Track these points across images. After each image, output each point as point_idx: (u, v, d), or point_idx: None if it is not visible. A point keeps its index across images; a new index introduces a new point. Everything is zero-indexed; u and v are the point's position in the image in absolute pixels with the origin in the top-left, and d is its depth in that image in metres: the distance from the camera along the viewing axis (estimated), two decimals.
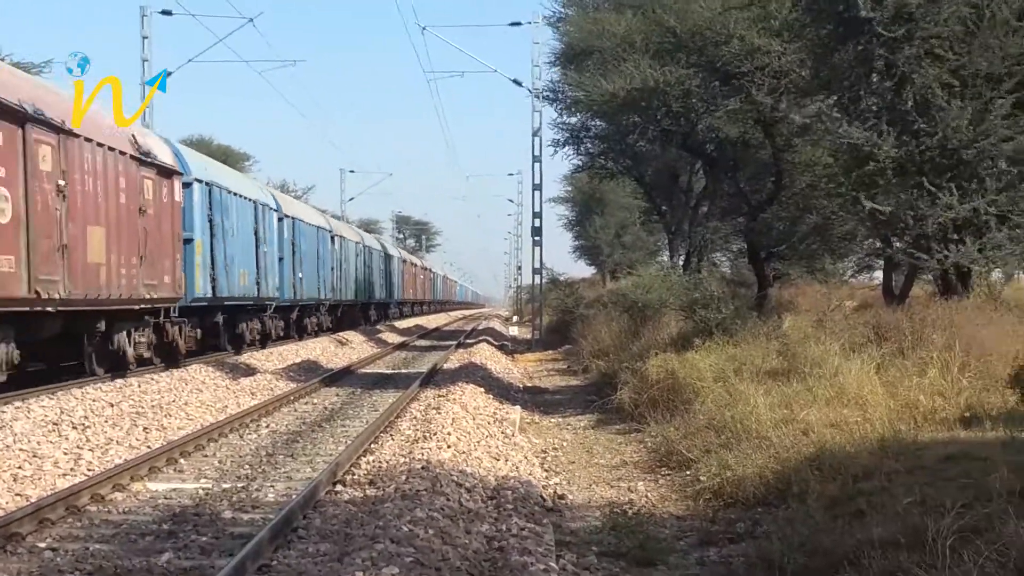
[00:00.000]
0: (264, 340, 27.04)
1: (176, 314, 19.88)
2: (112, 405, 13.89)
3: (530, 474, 10.44)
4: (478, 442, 11.78)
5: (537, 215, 35.60)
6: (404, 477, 9.19)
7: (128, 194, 17.00)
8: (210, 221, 22.05)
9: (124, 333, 17.40)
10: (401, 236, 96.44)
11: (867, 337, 12.82)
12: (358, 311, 44.11)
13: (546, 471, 11.19)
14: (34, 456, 10.49)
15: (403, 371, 24.57)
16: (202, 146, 41.00)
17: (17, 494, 9.08)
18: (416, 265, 69.40)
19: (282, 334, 29.49)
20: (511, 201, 72.13)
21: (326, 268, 35.68)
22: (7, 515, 7.88)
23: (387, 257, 52.76)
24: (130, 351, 17.62)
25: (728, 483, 9.06)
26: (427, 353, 31.54)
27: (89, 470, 10.25)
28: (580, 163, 29.75)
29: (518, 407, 16.21)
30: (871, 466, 7.98)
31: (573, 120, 26.51)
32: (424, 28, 35.60)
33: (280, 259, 28.63)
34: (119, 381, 16.20)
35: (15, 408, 12.49)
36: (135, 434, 12.48)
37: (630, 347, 18.80)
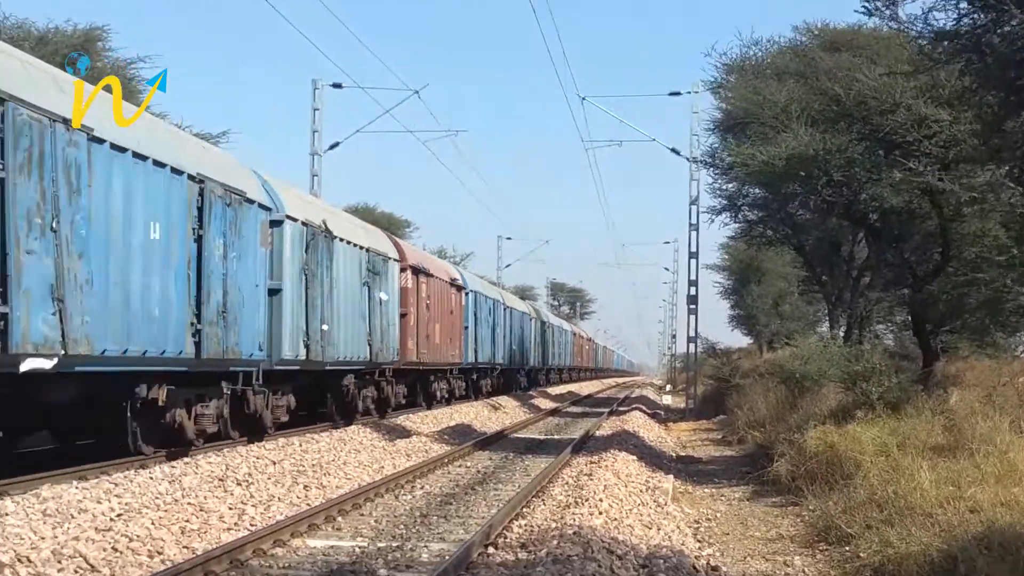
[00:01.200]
0: (383, 409, 23.91)
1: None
2: (275, 463, 14.32)
3: (682, 544, 10.30)
4: (630, 510, 11.69)
5: (693, 283, 35.38)
6: (556, 542, 9.19)
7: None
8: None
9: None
10: (556, 303, 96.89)
11: None
12: (508, 376, 44.48)
13: (699, 542, 11.02)
14: (201, 510, 10.88)
15: (555, 437, 24.59)
16: (366, 213, 42.19)
17: (185, 547, 9.44)
18: (567, 330, 69.67)
19: (404, 402, 26.15)
20: (667, 269, 71.78)
21: (496, 334, 37.49)
22: (176, 566, 8.19)
23: (542, 324, 53.08)
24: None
25: (890, 560, 8.75)
26: (579, 420, 31.49)
27: (252, 525, 10.58)
28: (737, 231, 29.48)
29: (671, 476, 16.02)
30: None
31: (730, 187, 26.34)
32: (584, 98, 35.90)
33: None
34: (281, 440, 16.68)
35: (184, 464, 12.99)
36: (296, 491, 12.83)
37: (787, 418, 18.40)
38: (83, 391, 12.22)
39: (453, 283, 31.18)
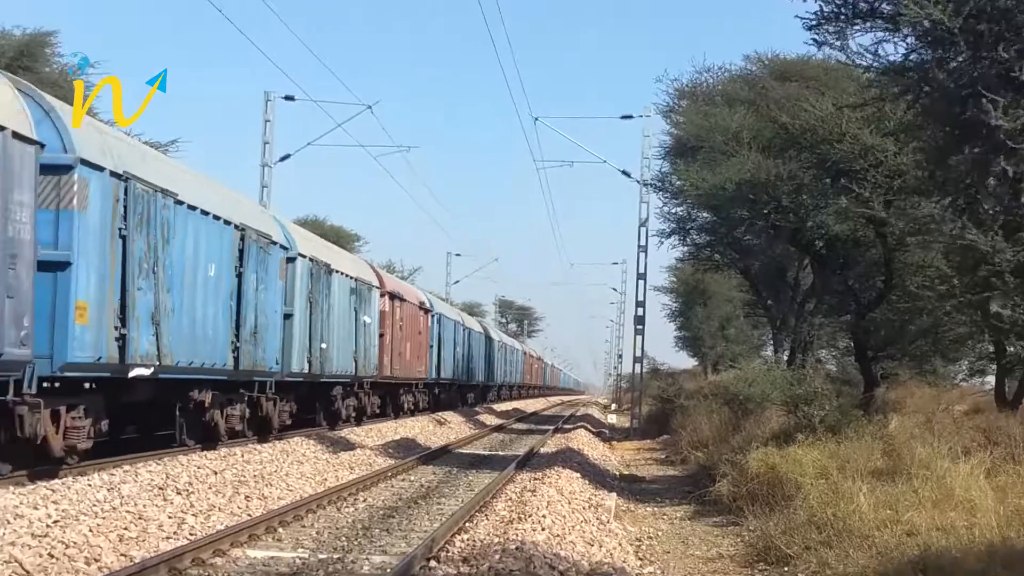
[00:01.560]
0: (360, 417, 26.65)
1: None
2: (216, 473, 14.19)
3: (624, 561, 10.35)
4: (572, 526, 11.73)
5: (640, 304, 35.57)
6: (498, 556, 9.20)
7: None
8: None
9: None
10: (504, 320, 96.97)
11: (977, 441, 12.51)
12: (455, 392, 44.43)
13: (640, 559, 11.08)
14: (140, 518, 10.76)
15: (500, 453, 24.59)
16: (315, 226, 42.01)
17: (122, 554, 9.33)
18: (518, 350, 69.81)
19: (377, 412, 29.03)
20: (614, 290, 72.10)
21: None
22: (112, 574, 8.09)
23: (488, 340, 53.10)
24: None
25: None
26: (524, 436, 31.50)
27: (192, 534, 10.48)
28: (686, 253, 29.74)
29: (614, 494, 16.08)
30: (977, 572, 7.77)
31: (680, 210, 26.61)
32: (536, 119, 35.98)
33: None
34: (223, 450, 16.54)
35: (123, 472, 12.83)
36: (237, 502, 12.72)
37: (730, 440, 18.56)
38: (157, 393, 15.21)
39: (421, 306, 34.56)
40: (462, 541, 10.50)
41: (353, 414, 25.90)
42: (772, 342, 31.81)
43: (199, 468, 14.15)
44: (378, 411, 28.96)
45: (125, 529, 10.17)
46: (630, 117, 35.36)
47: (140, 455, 15.01)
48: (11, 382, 11.07)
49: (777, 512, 11.78)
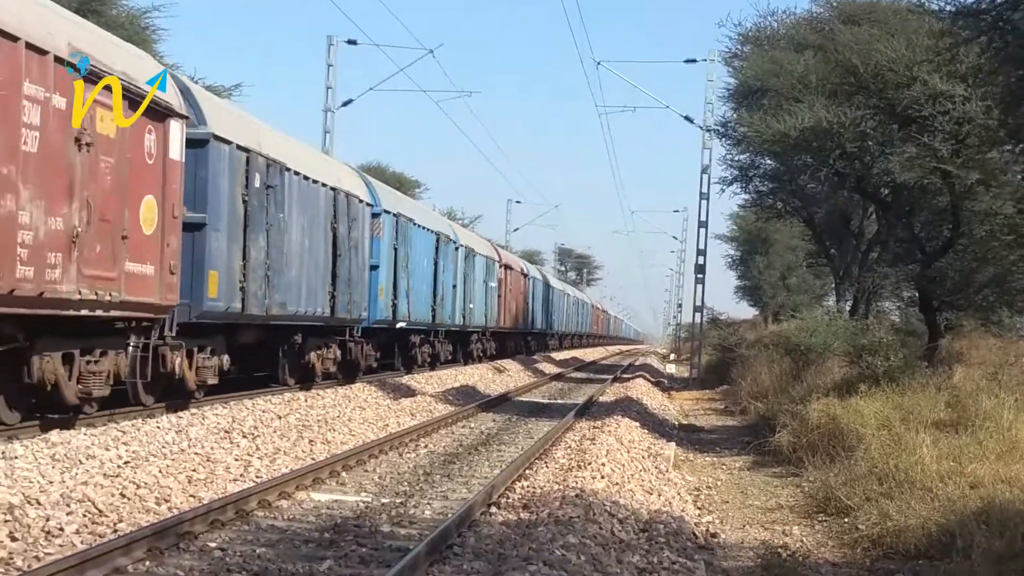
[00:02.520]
0: (434, 362, 28.40)
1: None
2: (280, 417, 14.42)
3: (683, 510, 10.40)
4: (632, 475, 11.78)
5: (701, 252, 35.35)
6: (558, 503, 9.28)
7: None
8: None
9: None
10: (563, 268, 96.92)
11: None
12: (518, 340, 44.68)
13: (699, 508, 11.12)
14: (207, 460, 10.98)
15: (559, 401, 24.72)
16: (377, 172, 42.20)
17: (191, 495, 9.55)
18: (586, 303, 70.16)
19: (450, 358, 30.94)
20: (675, 238, 71.68)
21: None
22: (181, 514, 8.29)
23: (548, 288, 53.17)
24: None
25: (888, 533, 8.83)
26: (583, 385, 31.61)
27: (257, 477, 10.69)
28: (748, 201, 29.45)
29: (672, 443, 16.12)
30: None
31: (742, 158, 26.30)
32: (599, 63, 35.98)
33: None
34: (287, 395, 16.80)
35: (191, 415, 13.09)
36: (301, 446, 12.94)
37: (790, 390, 18.47)
38: (265, 337, 17.40)
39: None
40: (522, 488, 10.60)
41: (428, 359, 27.61)
42: (835, 292, 31.49)
43: (264, 412, 14.39)
44: (450, 358, 30.85)
45: (193, 471, 10.39)
46: (693, 61, 34.99)
47: (249, 392, 16.66)
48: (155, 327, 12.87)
49: (838, 463, 11.75)
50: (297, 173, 17.69)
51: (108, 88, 11.10)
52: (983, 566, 7.21)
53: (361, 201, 20.84)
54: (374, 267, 21.99)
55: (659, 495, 10.94)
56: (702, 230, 35.22)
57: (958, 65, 16.67)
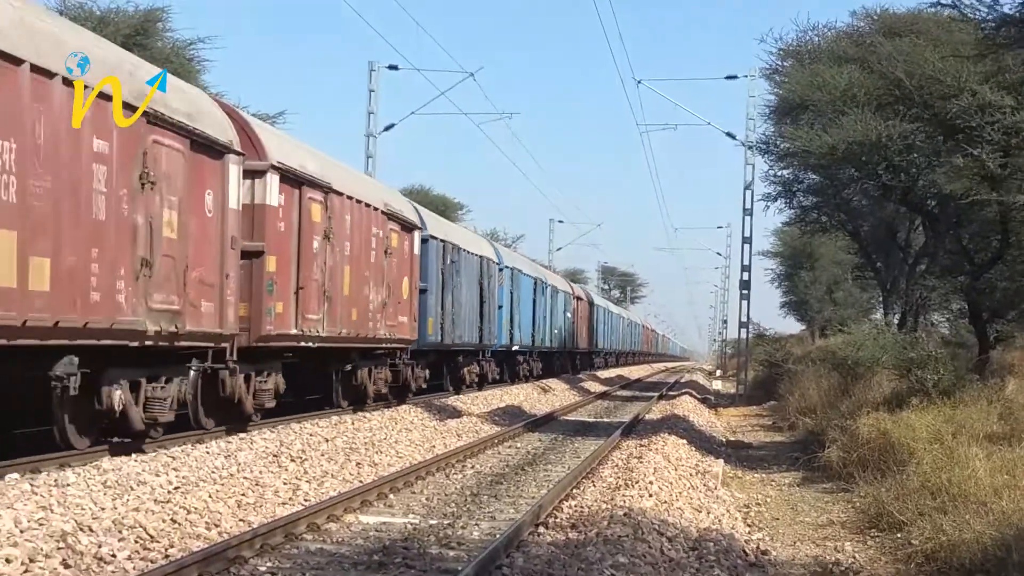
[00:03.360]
0: (481, 382, 28.96)
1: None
2: (327, 440, 14.49)
3: (732, 528, 10.31)
4: (680, 493, 11.71)
5: (746, 268, 35.17)
6: (606, 523, 9.24)
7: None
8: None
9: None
10: (606, 287, 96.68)
11: None
12: (564, 359, 44.71)
13: (749, 526, 11.02)
14: (256, 484, 11.05)
15: (605, 420, 24.64)
16: (420, 195, 42.43)
17: (241, 520, 9.60)
18: (638, 324, 70.93)
19: (497, 378, 31.46)
20: (719, 254, 71.35)
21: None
22: (231, 539, 8.34)
23: (585, 304, 53.11)
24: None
25: (942, 548, 8.70)
26: (629, 403, 31.49)
27: (306, 500, 10.73)
28: (792, 216, 29.26)
29: (720, 460, 16.01)
30: None
31: (786, 173, 26.13)
32: (640, 82, 35.66)
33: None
34: (334, 418, 16.87)
35: (239, 439, 13.19)
36: (348, 468, 12.98)
37: (839, 405, 18.29)
38: (320, 361, 18.21)
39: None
40: (570, 507, 10.57)
41: (476, 379, 28.26)
42: (882, 305, 31.18)
43: (311, 436, 14.47)
44: (498, 377, 31.30)
45: (243, 495, 10.45)
46: (735, 77, 34.88)
47: (300, 415, 17.33)
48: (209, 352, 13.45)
49: (889, 478, 11.61)
50: (467, 251, 26.08)
51: (398, 228, 20.31)
52: None
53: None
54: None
55: (708, 513, 10.86)
56: (746, 246, 35.05)
57: (1006, 75, 16.49)
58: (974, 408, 13.38)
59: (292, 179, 15.40)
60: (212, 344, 13.14)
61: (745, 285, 35.30)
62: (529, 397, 28.71)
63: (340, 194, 17.14)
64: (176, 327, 11.95)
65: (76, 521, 8.32)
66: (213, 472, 11.12)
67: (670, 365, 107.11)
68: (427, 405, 21.23)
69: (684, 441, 17.15)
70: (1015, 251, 19.80)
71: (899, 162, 20.09)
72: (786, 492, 13.65)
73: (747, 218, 34.64)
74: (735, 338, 47.48)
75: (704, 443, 18.36)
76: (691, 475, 13.49)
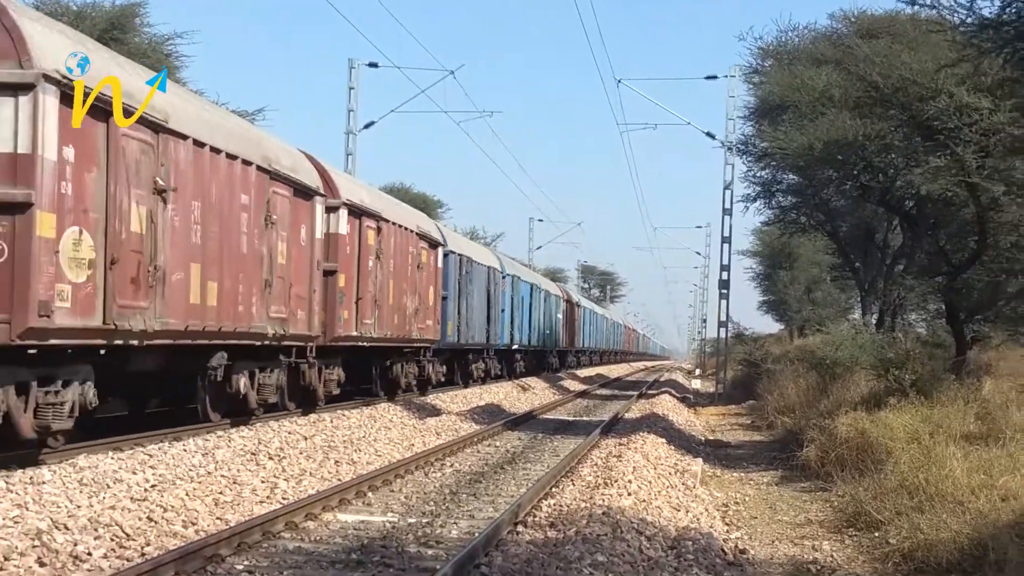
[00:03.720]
0: (485, 378, 31.68)
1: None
2: (306, 439, 14.44)
3: (711, 527, 10.33)
4: (659, 492, 11.72)
5: (725, 268, 35.24)
6: (585, 521, 9.24)
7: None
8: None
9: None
10: (586, 286, 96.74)
11: None
12: (545, 357, 44.88)
13: (727, 525, 11.04)
14: (234, 483, 11.00)
15: (584, 418, 24.65)
16: (401, 193, 42.35)
17: (218, 518, 9.55)
18: (619, 324, 71.42)
19: (499, 373, 34.42)
20: (698, 254, 71.49)
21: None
22: (208, 537, 8.30)
23: (571, 305, 53.15)
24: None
25: (920, 547, 8.74)
26: (608, 402, 31.53)
27: (284, 498, 10.69)
28: (771, 216, 29.36)
29: (700, 459, 16.03)
30: None
31: (765, 173, 26.23)
32: (620, 81, 35.70)
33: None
34: (312, 416, 16.82)
35: (217, 437, 13.13)
36: (327, 467, 12.94)
37: (817, 404, 18.35)
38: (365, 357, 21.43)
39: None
40: (549, 506, 10.56)
41: (483, 375, 31.31)
42: (860, 305, 31.32)
43: (290, 434, 14.42)
44: (498, 373, 34.06)
45: (220, 493, 10.41)
46: (714, 77, 34.96)
47: (347, 402, 19.61)
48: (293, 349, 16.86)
49: (867, 477, 11.66)
50: (477, 262, 30.14)
51: (426, 245, 24.04)
52: None
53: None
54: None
55: (687, 511, 10.88)
56: (725, 245, 35.14)
57: (983, 77, 16.57)
58: (951, 408, 13.43)
59: (355, 211, 19.09)
60: (303, 343, 16.72)
61: (724, 285, 35.39)
62: (508, 395, 28.69)
63: (387, 221, 20.89)
64: (284, 330, 15.63)
65: (52, 519, 8.26)
66: (190, 470, 11.06)
67: (649, 364, 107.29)
68: (406, 403, 21.19)
69: (663, 440, 17.17)
70: (992, 252, 19.90)
71: (877, 163, 20.19)
72: (764, 491, 13.69)
73: (726, 218, 34.75)
74: (714, 337, 47.69)
75: (683, 442, 18.39)
76: (670, 474, 13.51)
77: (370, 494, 11.54)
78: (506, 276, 34.79)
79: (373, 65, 30.93)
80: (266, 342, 15.12)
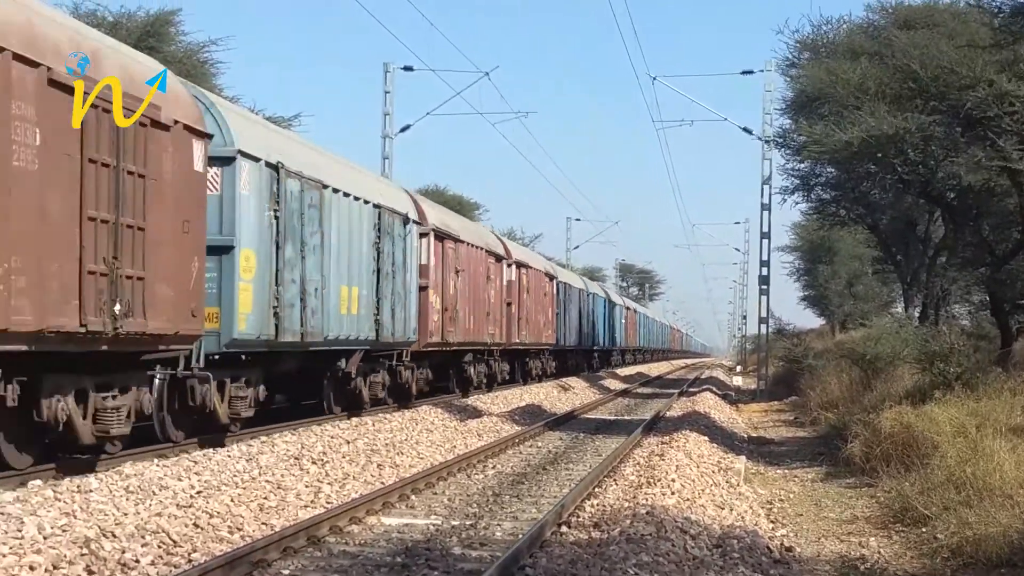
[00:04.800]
0: (490, 383, 28.36)
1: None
2: (348, 443, 14.49)
3: (756, 524, 10.26)
4: (702, 490, 11.66)
5: (765, 263, 35.00)
6: (629, 521, 9.20)
7: None
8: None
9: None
10: (624, 284, 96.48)
11: None
12: (580, 357, 44.67)
13: (772, 522, 10.97)
14: (278, 488, 11.05)
15: (625, 417, 24.59)
16: (436, 195, 42.44)
17: (263, 523, 9.60)
18: (660, 322, 72.51)
19: (508, 378, 30.66)
20: (737, 250, 71.08)
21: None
22: (254, 543, 8.35)
23: (610, 304, 53.03)
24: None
25: (968, 542, 8.64)
26: (649, 400, 31.43)
27: (328, 503, 10.73)
28: (810, 210, 29.16)
29: (743, 457, 15.94)
30: None
31: (803, 167, 26.04)
32: (655, 78, 35.52)
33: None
34: (355, 420, 16.90)
35: (260, 443, 13.20)
36: (370, 470, 12.97)
37: (861, 399, 18.22)
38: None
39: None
40: (592, 507, 10.54)
41: (484, 380, 27.26)
42: (903, 298, 31.04)
43: (332, 438, 14.47)
44: (508, 377, 30.19)
45: (265, 499, 10.46)
46: (751, 72, 34.80)
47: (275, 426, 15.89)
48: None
49: (913, 472, 11.54)
50: (535, 269, 32.42)
51: (493, 260, 26.78)
52: None
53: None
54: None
55: (731, 510, 10.81)
56: (765, 241, 34.92)
57: (1022, 64, 16.36)
58: (997, 400, 13.28)
59: (440, 235, 22.21)
60: (403, 348, 19.66)
61: (764, 280, 35.15)
62: (549, 396, 28.66)
63: (463, 242, 24.09)
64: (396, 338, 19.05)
65: (99, 527, 8.33)
66: (235, 476, 11.13)
67: (690, 362, 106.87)
68: (447, 406, 21.23)
69: (705, 438, 17.09)
70: None
71: (916, 156, 19.97)
72: (809, 488, 13.58)
73: (765, 213, 34.50)
74: (755, 334, 47.40)
75: (726, 439, 18.29)
76: (713, 472, 13.44)
77: (413, 497, 11.56)
78: (510, 264, 32.53)
79: (408, 68, 31.04)
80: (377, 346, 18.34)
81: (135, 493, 9.59)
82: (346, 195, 16.65)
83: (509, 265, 29.17)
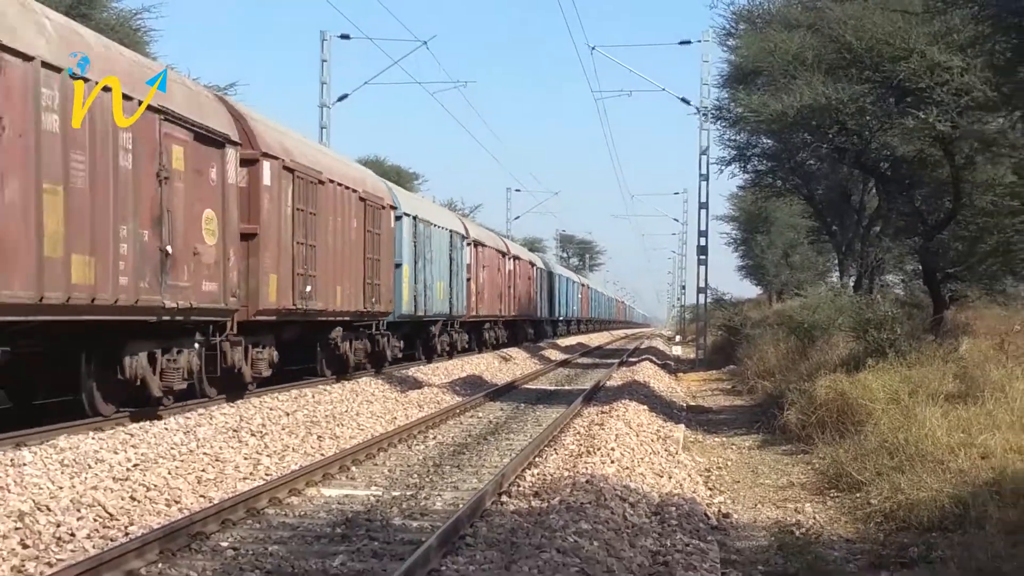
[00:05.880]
0: (452, 351, 29.97)
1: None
2: (288, 414, 14.42)
3: (694, 492, 10.39)
4: (641, 459, 11.77)
5: (703, 234, 35.31)
6: (568, 490, 9.27)
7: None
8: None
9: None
10: (564, 255, 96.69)
11: None
12: (522, 327, 44.79)
13: (710, 489, 11.11)
14: (216, 460, 10.98)
15: (566, 387, 24.72)
16: (375, 165, 42.11)
17: (201, 496, 9.54)
18: (580, 284, 70.54)
19: (467, 347, 32.50)
20: (676, 220, 71.56)
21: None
22: (192, 515, 8.29)
23: (549, 275, 53.14)
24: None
25: (901, 506, 8.81)
26: (589, 371, 31.62)
27: (267, 475, 10.68)
28: (747, 181, 29.38)
29: (681, 425, 16.11)
30: None
31: (740, 138, 26.19)
32: (593, 48, 35.80)
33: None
34: (294, 392, 16.80)
35: (198, 415, 13.09)
36: (309, 442, 12.93)
37: (797, 368, 18.45)
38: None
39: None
40: (532, 476, 10.59)
41: (448, 348, 29.55)
42: (838, 268, 31.42)
43: (271, 410, 14.39)
44: (466, 346, 32.37)
45: (203, 471, 10.39)
46: (688, 43, 34.93)
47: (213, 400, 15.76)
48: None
49: (847, 439, 11.74)
50: (520, 259, 40.45)
51: (502, 255, 37.23)
52: (997, 537, 7.19)
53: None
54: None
55: (670, 478, 10.93)
56: (703, 211, 35.21)
57: (954, 36, 16.57)
58: (930, 368, 13.52)
59: (476, 243, 30.93)
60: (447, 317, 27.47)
61: (702, 251, 35.47)
62: (490, 366, 28.73)
63: (486, 246, 33.13)
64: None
65: (33, 500, 8.23)
66: (172, 448, 11.04)
67: (630, 332, 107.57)
68: (388, 377, 21.18)
69: (645, 407, 17.24)
70: (966, 211, 19.97)
71: (852, 125, 20.18)
72: (746, 455, 13.77)
73: (703, 184, 34.79)
74: (693, 304, 47.81)
75: (665, 408, 18.47)
76: (652, 440, 13.57)
77: (354, 468, 11.54)
78: (469, 243, 32.56)
79: (345, 37, 30.71)
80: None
81: (70, 467, 9.47)
82: (437, 227, 27.49)
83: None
